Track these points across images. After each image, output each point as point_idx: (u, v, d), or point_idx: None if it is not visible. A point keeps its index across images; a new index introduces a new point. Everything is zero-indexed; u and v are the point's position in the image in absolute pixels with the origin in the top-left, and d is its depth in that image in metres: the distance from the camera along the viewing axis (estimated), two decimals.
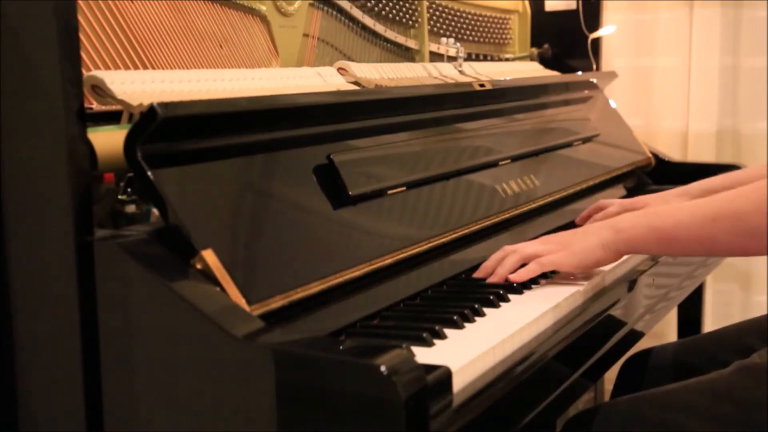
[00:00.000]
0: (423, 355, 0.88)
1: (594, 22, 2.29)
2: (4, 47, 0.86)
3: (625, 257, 1.25)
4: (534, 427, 0.93)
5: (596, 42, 2.29)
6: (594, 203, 1.50)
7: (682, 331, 2.06)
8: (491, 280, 1.17)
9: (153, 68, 1.18)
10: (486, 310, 1.05)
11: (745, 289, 2.36)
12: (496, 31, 2.08)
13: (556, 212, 1.54)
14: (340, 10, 1.56)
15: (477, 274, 1.20)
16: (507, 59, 2.13)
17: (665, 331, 2.35)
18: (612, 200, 1.49)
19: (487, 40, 2.05)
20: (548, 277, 1.20)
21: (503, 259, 1.18)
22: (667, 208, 1.16)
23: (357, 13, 1.59)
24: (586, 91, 1.96)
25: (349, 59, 1.56)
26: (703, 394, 1.10)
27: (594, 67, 2.27)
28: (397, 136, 1.27)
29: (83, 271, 0.84)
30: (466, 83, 1.54)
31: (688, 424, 1.06)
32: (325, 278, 0.98)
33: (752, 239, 1.06)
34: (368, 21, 1.62)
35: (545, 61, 2.21)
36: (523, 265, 1.17)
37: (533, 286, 1.16)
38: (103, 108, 1.04)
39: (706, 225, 1.09)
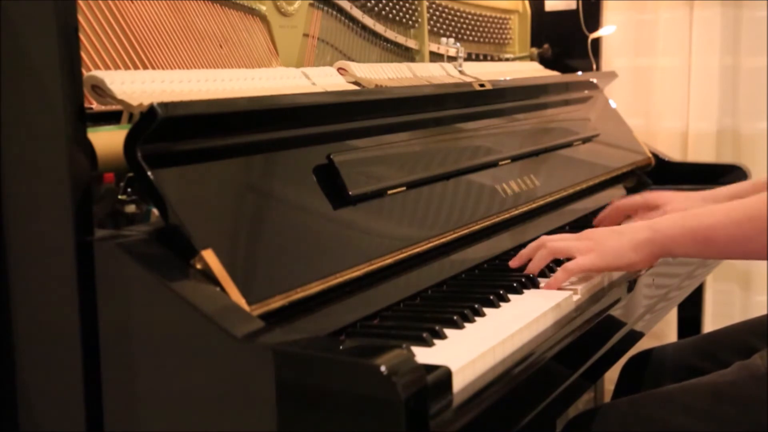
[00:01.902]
0: (423, 355, 0.88)
1: (594, 22, 2.29)
2: (4, 47, 0.86)
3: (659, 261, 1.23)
4: (534, 427, 0.93)
5: (596, 42, 2.29)
6: (612, 202, 1.50)
7: (682, 331, 2.06)
8: (526, 271, 1.18)
9: (153, 68, 1.18)
10: (486, 310, 1.05)
11: (745, 289, 2.35)
12: (496, 31, 2.08)
13: (556, 212, 1.54)
14: (340, 10, 1.56)
15: (513, 263, 1.21)
16: (507, 59, 2.13)
17: (665, 331, 2.35)
18: (633, 195, 1.49)
19: (487, 40, 2.05)
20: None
21: (537, 250, 1.19)
22: (704, 210, 1.16)
23: (357, 13, 1.59)
24: (586, 91, 1.96)
25: (349, 59, 1.56)
26: (703, 395, 1.10)
27: (594, 67, 2.27)
28: (397, 136, 1.27)
29: (83, 271, 0.84)
30: (466, 83, 1.54)
31: (689, 425, 1.06)
32: (325, 278, 0.98)
33: None
34: (368, 21, 1.62)
35: (545, 61, 2.21)
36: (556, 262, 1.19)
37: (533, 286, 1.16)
38: (103, 108, 1.04)
39: (742, 225, 1.08)
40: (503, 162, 1.46)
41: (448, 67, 1.70)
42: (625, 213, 1.50)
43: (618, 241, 1.15)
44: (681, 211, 1.38)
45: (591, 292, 1.17)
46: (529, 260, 1.20)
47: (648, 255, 1.14)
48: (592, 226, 1.47)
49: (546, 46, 2.24)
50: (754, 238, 1.07)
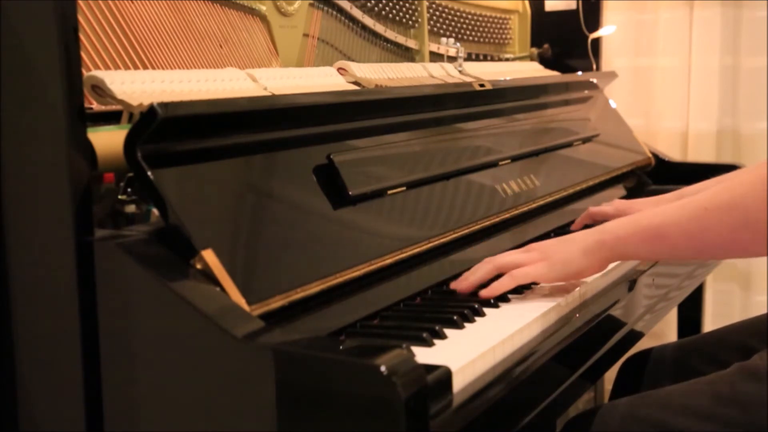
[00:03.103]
0: (423, 355, 0.88)
1: (594, 22, 2.29)
2: (4, 47, 0.86)
3: (610, 266, 1.19)
4: (534, 427, 0.93)
5: (596, 42, 2.29)
6: (587, 209, 1.49)
7: (682, 331, 2.06)
8: (459, 287, 1.12)
9: (153, 68, 1.18)
10: (486, 310, 1.05)
11: (745, 289, 2.36)
12: (496, 31, 2.08)
13: (556, 212, 1.54)
14: (340, 10, 1.56)
15: (454, 285, 1.14)
16: (507, 59, 2.13)
17: (665, 331, 2.36)
18: (604, 204, 1.48)
19: (487, 40, 2.05)
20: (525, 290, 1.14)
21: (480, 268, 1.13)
22: (656, 209, 1.11)
23: (357, 13, 1.59)
24: (586, 91, 1.96)
25: (349, 59, 1.56)
26: (703, 395, 1.10)
27: (594, 67, 2.27)
28: (397, 136, 1.27)
29: (83, 271, 0.84)
30: (466, 83, 1.54)
31: (688, 425, 1.06)
32: (325, 278, 0.98)
33: (747, 230, 0.97)
34: (368, 21, 1.62)
35: (545, 61, 2.21)
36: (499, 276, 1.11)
37: (533, 286, 1.16)
38: (103, 108, 1.04)
39: (697, 216, 1.01)
40: (503, 162, 1.46)
41: (448, 67, 1.70)
42: (598, 220, 1.48)
43: (566, 249, 1.10)
44: None
45: (591, 292, 1.17)
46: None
47: (599, 259, 1.10)
48: (592, 227, 1.47)
49: (546, 46, 2.24)
50: (710, 232, 1.00)
